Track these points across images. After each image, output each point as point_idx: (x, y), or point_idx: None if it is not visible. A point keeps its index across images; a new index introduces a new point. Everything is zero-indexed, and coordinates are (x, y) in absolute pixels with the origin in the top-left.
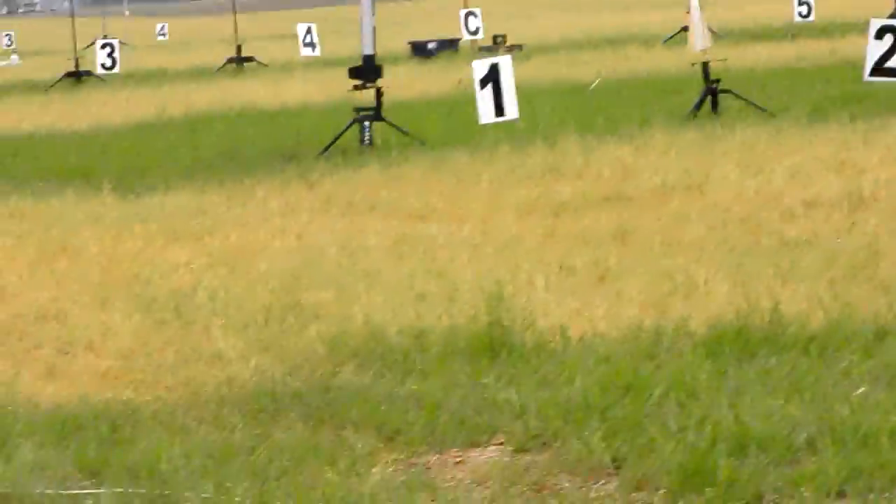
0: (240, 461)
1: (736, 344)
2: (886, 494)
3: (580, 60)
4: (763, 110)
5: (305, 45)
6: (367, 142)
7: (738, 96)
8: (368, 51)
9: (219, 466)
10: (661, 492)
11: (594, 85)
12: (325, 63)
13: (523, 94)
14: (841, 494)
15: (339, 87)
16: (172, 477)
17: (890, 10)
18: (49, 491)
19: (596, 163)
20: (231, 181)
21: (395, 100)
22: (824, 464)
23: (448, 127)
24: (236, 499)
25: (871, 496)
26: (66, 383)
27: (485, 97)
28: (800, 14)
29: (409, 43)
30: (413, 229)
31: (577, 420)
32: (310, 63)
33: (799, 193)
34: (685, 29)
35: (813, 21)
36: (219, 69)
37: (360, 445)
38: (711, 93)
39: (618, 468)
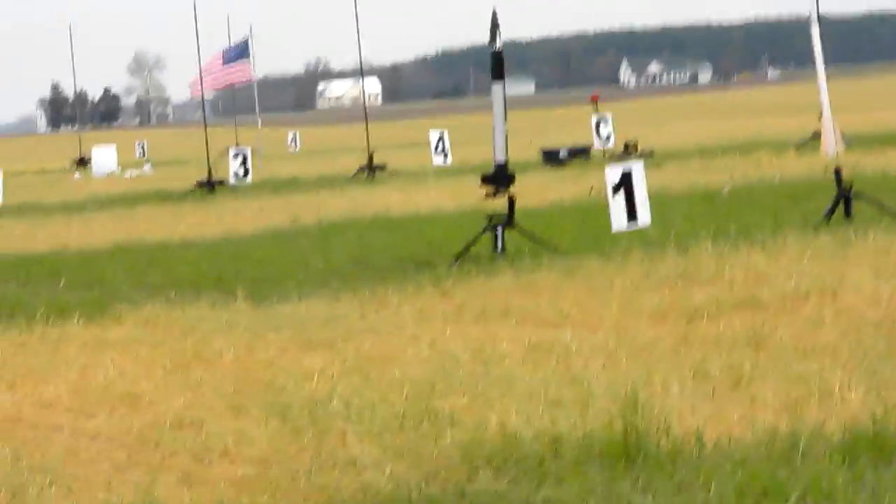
0: None
1: (872, 449)
2: None
3: (712, 167)
4: None
5: (437, 152)
6: (500, 249)
7: (871, 201)
8: (501, 158)
9: None
10: None
11: (726, 191)
12: (456, 171)
13: (655, 200)
14: None
15: (471, 195)
16: None
17: None
18: None
19: (729, 268)
20: (364, 289)
21: (527, 207)
22: None
23: (580, 234)
24: None
25: None
26: (203, 491)
27: (617, 204)
28: None
29: (541, 150)
30: (546, 336)
31: None
32: (441, 171)
33: None
34: (817, 135)
35: None
36: (351, 177)
37: None
38: (844, 198)
39: None
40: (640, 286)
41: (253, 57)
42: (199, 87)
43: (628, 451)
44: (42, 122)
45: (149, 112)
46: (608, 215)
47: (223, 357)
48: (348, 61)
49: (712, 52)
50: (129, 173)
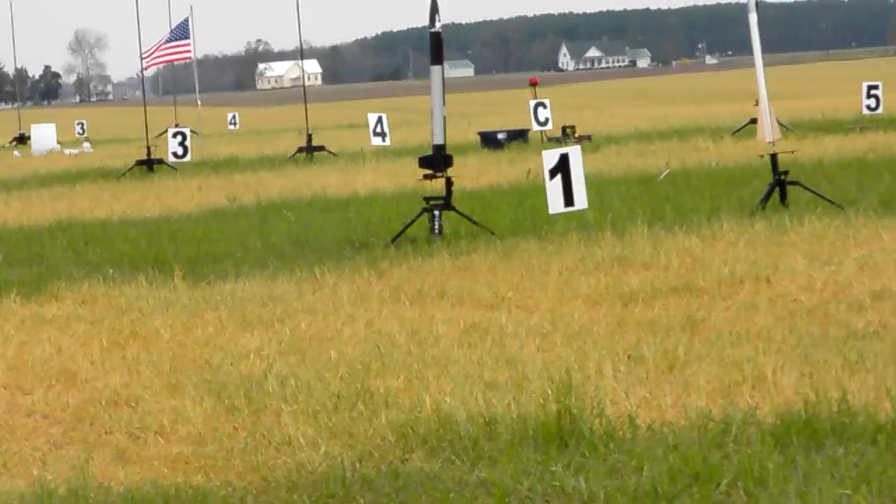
0: None
1: (804, 434)
2: None
3: (649, 151)
4: (831, 202)
5: (376, 134)
6: (437, 231)
7: (806, 188)
8: (439, 140)
9: None
10: None
11: (663, 175)
12: (395, 153)
13: (592, 184)
14: None
15: (409, 177)
16: None
17: None
18: None
19: (665, 253)
20: (301, 269)
21: (465, 189)
22: None
23: (517, 217)
24: None
25: None
26: (138, 468)
27: (554, 187)
28: (868, 107)
29: (479, 133)
30: (482, 318)
31: None
32: (380, 152)
33: (867, 285)
34: (754, 121)
35: (881, 114)
36: (289, 158)
37: None
38: (780, 184)
39: None
40: (576, 269)
41: (193, 36)
42: (142, 65)
43: (562, 434)
44: None
45: (89, 90)
46: (545, 198)
47: (160, 335)
48: (288, 42)
49: (651, 38)
50: (68, 151)
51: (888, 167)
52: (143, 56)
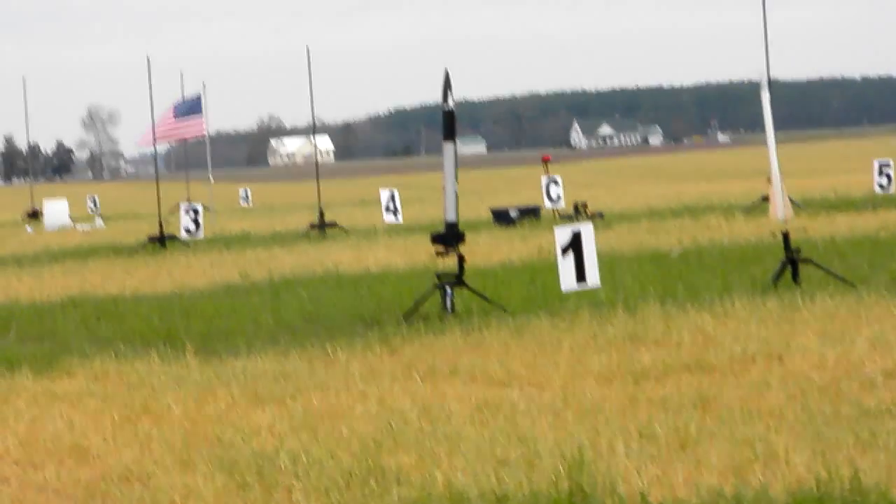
0: None
1: None
2: None
3: (661, 229)
4: (843, 280)
5: (388, 211)
6: (449, 308)
7: (818, 266)
8: (451, 217)
9: None
10: None
11: (675, 253)
12: (407, 229)
13: (604, 261)
14: None
15: (421, 253)
16: None
17: None
18: None
19: (677, 330)
20: (313, 345)
21: (477, 266)
22: None
23: (529, 294)
24: None
25: None
26: None
27: (567, 265)
28: (880, 185)
29: (491, 210)
30: (494, 395)
31: None
32: (392, 229)
33: (879, 363)
34: (766, 199)
35: (893, 193)
36: (302, 234)
37: None
38: (792, 262)
39: None
40: (588, 346)
41: (205, 112)
42: (149, 140)
43: None
44: None
45: (101, 166)
46: (557, 275)
47: (172, 411)
48: (301, 118)
49: (663, 115)
50: (81, 227)
51: None
52: (155, 130)
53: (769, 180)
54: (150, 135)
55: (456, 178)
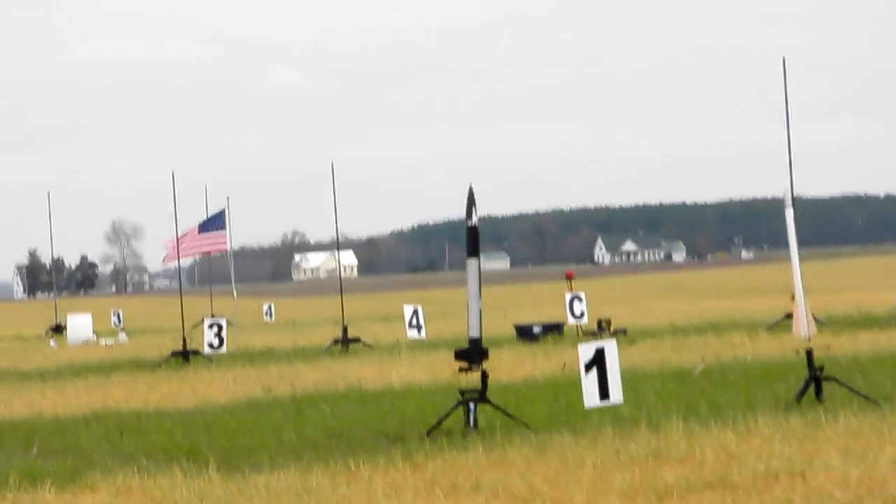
0: None
1: None
2: None
3: (684, 346)
4: (867, 398)
5: (411, 326)
6: (473, 424)
7: (841, 384)
8: (475, 334)
9: None
10: None
11: (698, 370)
12: (430, 345)
13: (627, 378)
14: None
15: (445, 369)
16: None
17: None
18: None
19: (700, 448)
20: (336, 461)
21: (500, 382)
22: None
23: (552, 410)
24: None
25: None
26: None
27: (590, 381)
28: None
29: (515, 326)
30: None
31: None
32: (415, 345)
33: None
34: (789, 315)
35: None
36: (325, 349)
37: None
38: (815, 380)
39: None
40: (610, 463)
41: (229, 227)
42: (173, 256)
43: None
44: (19, 289)
45: (125, 280)
46: (580, 391)
47: None
48: (325, 233)
49: (687, 232)
50: (104, 341)
51: None
52: (178, 245)
53: (793, 297)
54: (174, 251)
55: (479, 293)
